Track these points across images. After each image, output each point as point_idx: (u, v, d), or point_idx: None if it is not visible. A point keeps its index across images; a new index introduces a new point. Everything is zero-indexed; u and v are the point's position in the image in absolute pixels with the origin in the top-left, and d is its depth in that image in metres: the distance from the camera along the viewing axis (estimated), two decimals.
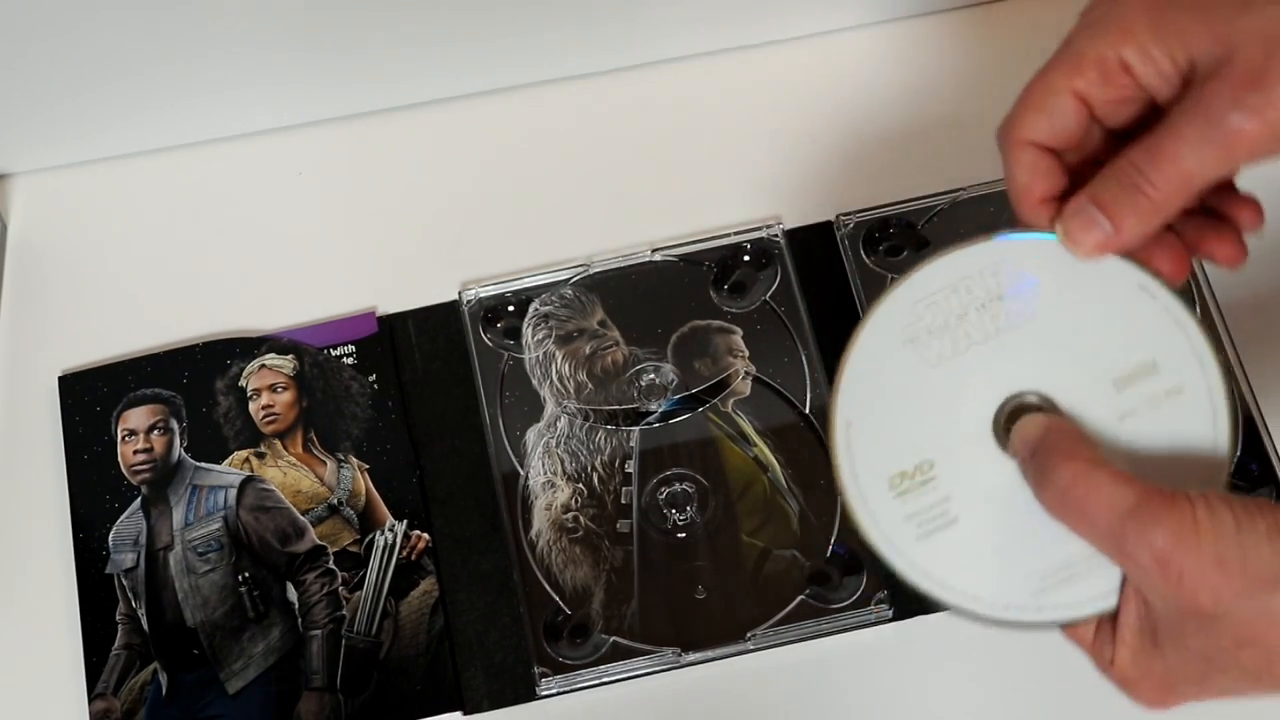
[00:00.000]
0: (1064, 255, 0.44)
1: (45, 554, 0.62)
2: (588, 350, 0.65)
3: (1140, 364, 0.45)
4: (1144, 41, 0.42)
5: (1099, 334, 0.45)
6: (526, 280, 0.66)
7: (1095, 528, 0.40)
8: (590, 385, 0.64)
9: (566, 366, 0.65)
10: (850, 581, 0.60)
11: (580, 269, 0.66)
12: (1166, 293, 0.45)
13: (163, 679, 0.60)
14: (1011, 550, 0.44)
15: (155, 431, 0.64)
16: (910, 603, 0.60)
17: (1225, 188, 0.46)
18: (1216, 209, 0.46)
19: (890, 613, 0.60)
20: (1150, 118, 0.43)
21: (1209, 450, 0.44)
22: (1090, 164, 0.45)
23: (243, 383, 0.65)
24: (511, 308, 0.66)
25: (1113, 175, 0.43)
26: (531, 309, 0.66)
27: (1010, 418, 0.45)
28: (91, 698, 0.59)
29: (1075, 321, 0.45)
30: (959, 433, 0.45)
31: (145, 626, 0.60)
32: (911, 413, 0.46)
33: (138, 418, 0.64)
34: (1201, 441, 0.44)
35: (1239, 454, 0.45)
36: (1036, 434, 0.43)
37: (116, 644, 0.60)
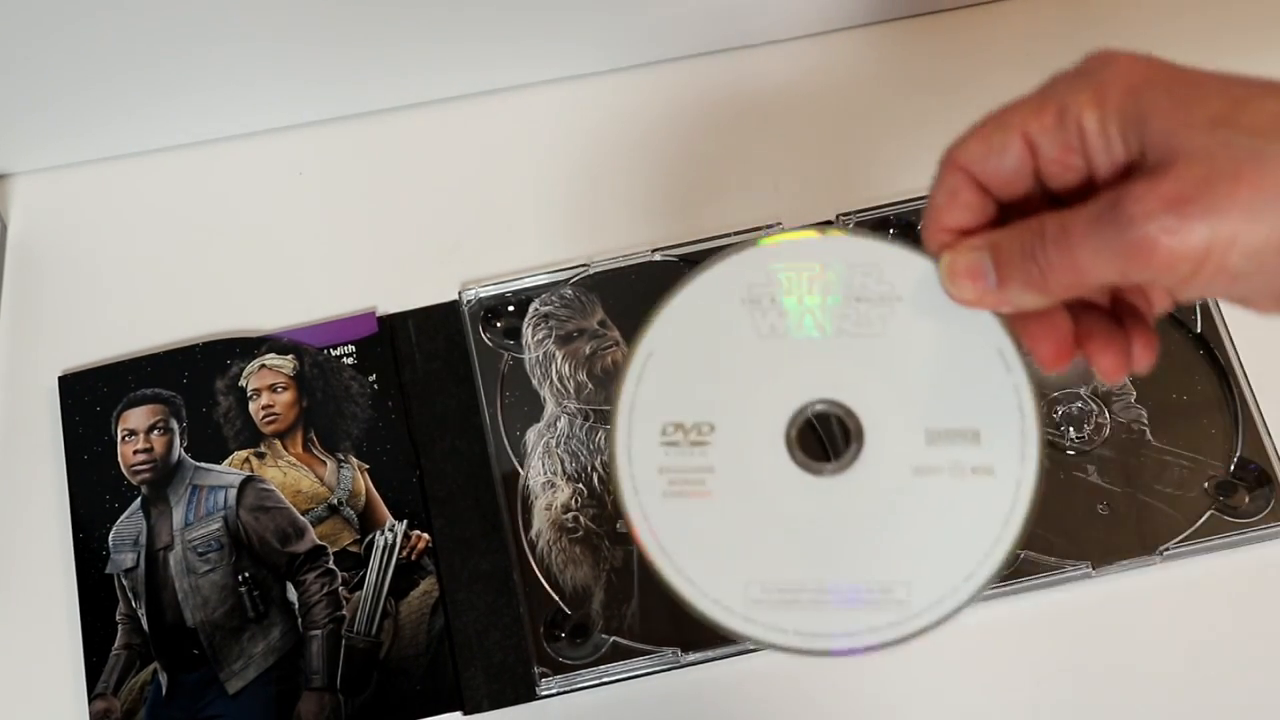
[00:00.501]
0: (936, 286, 0.42)
1: (45, 554, 0.62)
2: (588, 350, 0.65)
3: (964, 429, 0.43)
4: (1108, 113, 0.39)
5: (936, 381, 0.43)
6: (526, 280, 0.66)
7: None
8: (590, 385, 0.64)
9: (566, 366, 0.65)
10: None
11: (580, 269, 0.66)
12: (1022, 370, 0.43)
13: (163, 679, 0.60)
14: (749, 551, 0.42)
15: (155, 431, 0.64)
16: None
17: (1143, 302, 0.43)
18: (1124, 319, 0.43)
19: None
20: (1086, 194, 0.40)
21: (988, 544, 0.42)
22: (1019, 215, 0.42)
23: (243, 383, 0.65)
24: (511, 308, 0.66)
25: (1017, 235, 0.40)
26: (531, 309, 0.66)
27: (801, 427, 0.43)
28: (91, 697, 0.59)
29: (919, 359, 0.43)
30: (753, 414, 0.43)
31: (145, 626, 0.60)
32: (717, 373, 0.43)
33: (138, 418, 0.64)
34: (985, 533, 0.42)
35: (1017, 558, 0.44)
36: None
37: (116, 644, 0.60)
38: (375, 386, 0.65)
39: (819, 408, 0.43)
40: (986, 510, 0.42)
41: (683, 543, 0.42)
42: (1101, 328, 0.43)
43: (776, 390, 0.43)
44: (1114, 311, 0.43)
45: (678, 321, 0.43)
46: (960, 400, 0.43)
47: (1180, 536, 0.60)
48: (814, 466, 0.43)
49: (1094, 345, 0.42)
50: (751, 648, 0.59)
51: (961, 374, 0.43)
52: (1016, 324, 0.43)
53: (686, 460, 0.42)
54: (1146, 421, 0.63)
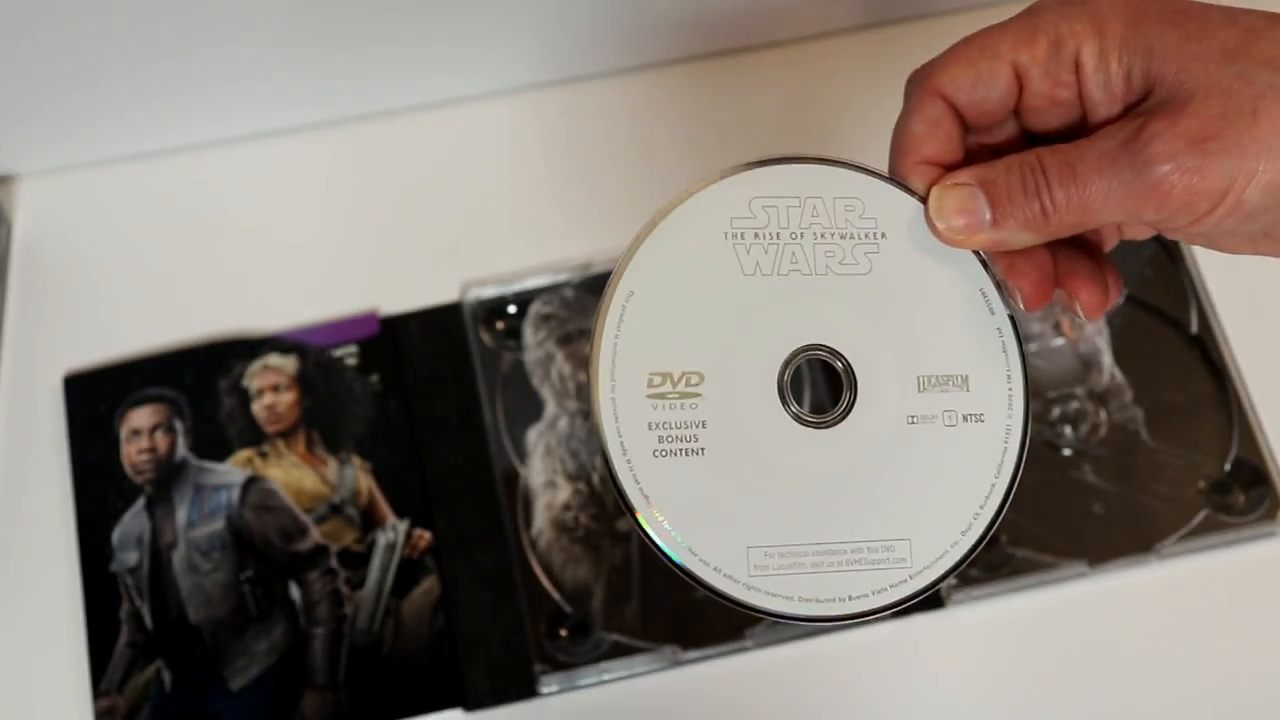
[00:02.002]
0: (922, 226, 0.40)
1: (50, 553, 0.63)
2: (588, 350, 0.65)
3: (953, 374, 0.41)
4: (1109, 45, 0.37)
5: (922, 324, 0.41)
6: (527, 281, 0.67)
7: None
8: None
9: (567, 367, 0.65)
10: None
11: (580, 269, 0.67)
12: (1004, 311, 0.41)
13: (166, 677, 0.60)
14: (747, 513, 0.40)
15: (159, 431, 0.64)
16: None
17: (1101, 236, 0.42)
18: (1093, 255, 0.42)
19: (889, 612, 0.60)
20: (1073, 133, 0.39)
21: (982, 495, 0.41)
22: (987, 154, 0.41)
23: (246, 383, 0.65)
24: (512, 308, 0.66)
25: (1015, 169, 0.38)
26: (532, 309, 0.66)
27: (793, 374, 0.40)
28: (96, 695, 0.60)
29: (907, 300, 0.41)
30: (743, 361, 0.40)
31: (149, 624, 0.61)
32: (703, 315, 0.40)
33: (142, 417, 0.65)
34: (980, 484, 0.41)
35: (1007, 508, 0.41)
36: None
37: (121, 642, 0.61)
38: (377, 387, 0.65)
39: (811, 353, 0.41)
40: (979, 459, 0.41)
41: (678, 506, 0.39)
42: (1081, 264, 0.41)
43: (766, 334, 0.40)
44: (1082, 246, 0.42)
45: (657, 256, 0.40)
46: (947, 344, 0.41)
47: (1176, 535, 0.61)
48: (809, 418, 0.41)
49: (1076, 282, 0.41)
50: (751, 646, 0.60)
51: (946, 316, 0.41)
52: (999, 262, 0.41)
53: (677, 415, 0.39)
54: (1142, 421, 0.63)
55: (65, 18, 0.61)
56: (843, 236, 0.41)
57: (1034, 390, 0.42)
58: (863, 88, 0.71)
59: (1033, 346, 0.64)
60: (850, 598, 0.40)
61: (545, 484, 0.63)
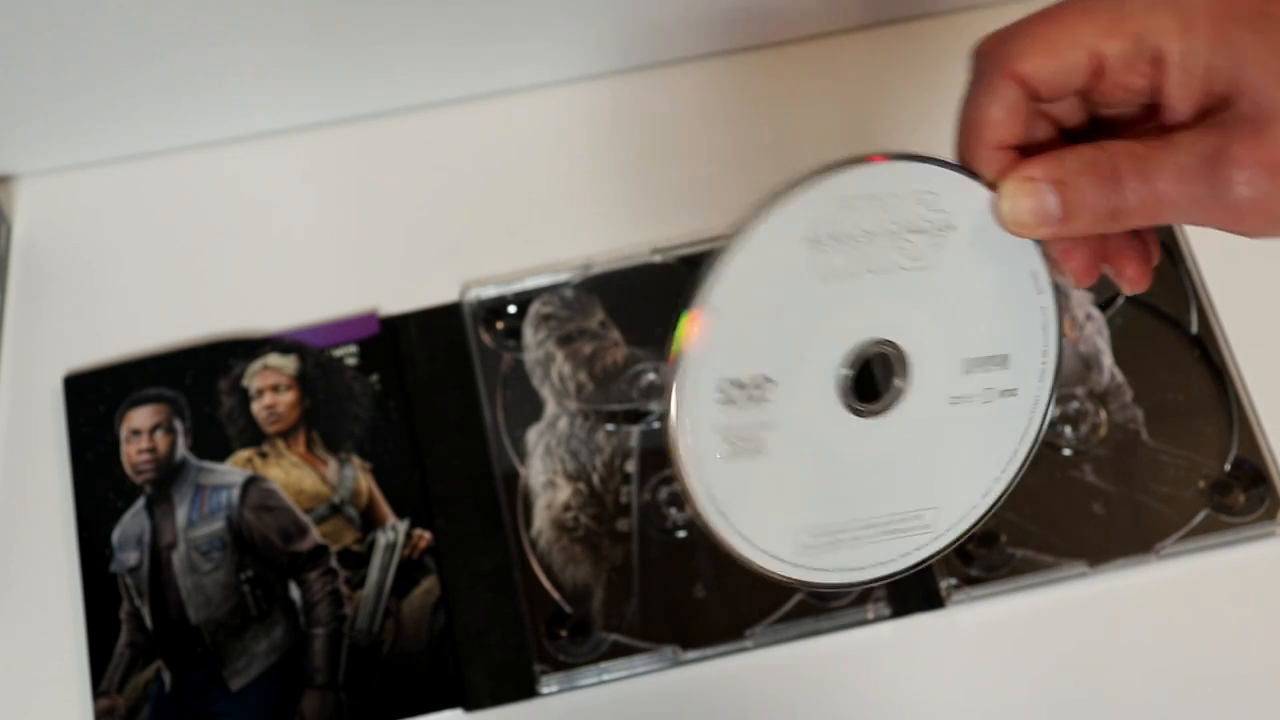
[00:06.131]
0: (986, 214, 0.40)
1: (50, 553, 0.63)
2: (588, 351, 0.65)
3: (996, 355, 0.42)
4: (1194, 48, 0.37)
5: (975, 309, 0.42)
6: (527, 281, 0.67)
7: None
8: (590, 385, 0.65)
9: (567, 367, 0.65)
10: None
11: (580, 269, 0.67)
12: (1050, 291, 0.42)
13: (166, 677, 0.60)
14: (800, 500, 0.42)
15: (159, 431, 0.64)
16: (909, 601, 0.60)
17: None
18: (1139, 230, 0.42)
19: (888, 611, 0.60)
20: (1138, 121, 0.40)
21: (1005, 460, 0.43)
22: (1045, 122, 0.40)
23: (245, 383, 0.65)
24: (512, 308, 0.66)
25: (1089, 170, 0.38)
26: (532, 309, 0.66)
27: (860, 367, 0.41)
28: (96, 695, 0.60)
29: (963, 287, 0.41)
30: (810, 362, 0.41)
31: (149, 625, 0.61)
32: (777, 320, 0.40)
33: (141, 417, 0.65)
34: (1004, 450, 0.43)
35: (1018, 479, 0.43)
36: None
37: (120, 642, 0.61)
38: (377, 387, 0.65)
39: (872, 349, 0.41)
40: (1006, 428, 0.42)
41: (739, 501, 0.41)
42: (1124, 239, 0.41)
43: (832, 334, 0.41)
44: None
45: (742, 269, 0.40)
46: (994, 326, 0.42)
47: (1176, 535, 0.61)
48: (862, 408, 0.42)
49: (1122, 257, 0.41)
50: (751, 646, 0.60)
51: (997, 299, 0.42)
52: (1054, 245, 0.41)
53: (744, 417, 0.40)
54: (1143, 421, 0.63)
55: (65, 18, 0.61)
56: (914, 232, 0.41)
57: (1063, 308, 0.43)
58: (868, 83, 0.72)
59: None
60: (882, 563, 0.43)
61: (545, 484, 0.63)
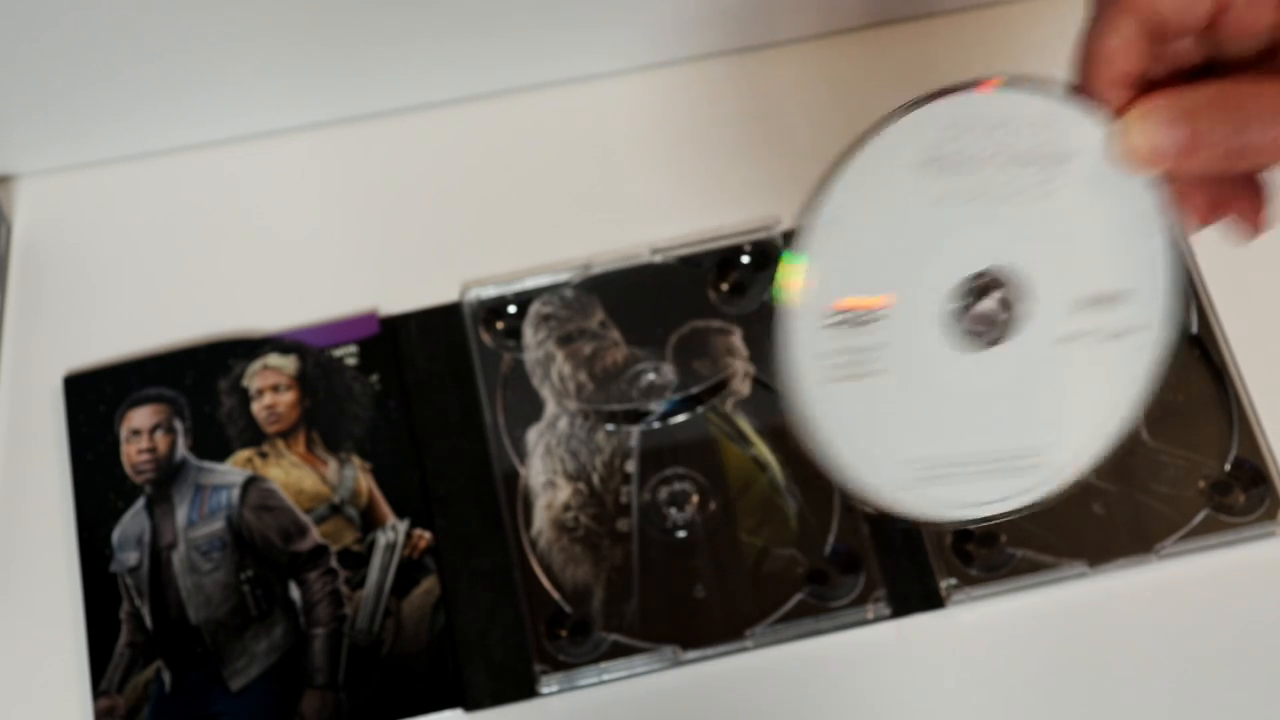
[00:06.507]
0: (1102, 146, 0.39)
1: (49, 553, 0.63)
2: (588, 350, 0.65)
3: (1107, 293, 0.41)
4: None
5: (1086, 246, 0.41)
6: (527, 281, 0.67)
7: None
8: (590, 385, 0.65)
9: (567, 367, 0.65)
10: (848, 580, 0.60)
11: (580, 269, 0.67)
12: (1163, 232, 0.41)
13: (166, 677, 0.60)
14: (905, 429, 0.41)
15: (159, 431, 0.64)
16: (909, 601, 0.60)
17: None
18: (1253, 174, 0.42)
19: (888, 611, 0.60)
20: (1254, 62, 0.39)
21: (1115, 404, 0.42)
22: (1161, 64, 0.40)
23: (245, 383, 0.65)
24: (512, 308, 0.66)
25: (1215, 105, 0.37)
26: (532, 309, 0.66)
27: (973, 295, 0.41)
28: (96, 695, 0.60)
29: (1075, 222, 0.41)
30: (921, 288, 0.41)
31: (149, 625, 0.61)
32: (885, 244, 0.40)
33: (141, 417, 0.65)
34: (1116, 394, 0.42)
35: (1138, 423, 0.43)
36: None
37: (120, 642, 0.61)
38: (377, 387, 0.65)
39: (984, 278, 0.41)
40: (1118, 371, 0.42)
41: (844, 426, 0.41)
42: (1242, 184, 0.41)
43: (943, 260, 0.41)
44: None
45: (858, 182, 0.39)
46: (1106, 265, 0.41)
47: (1176, 535, 0.61)
48: (972, 340, 0.42)
49: (1241, 203, 0.41)
50: (751, 646, 0.60)
51: (1109, 237, 0.41)
52: (1173, 185, 0.40)
53: (855, 340, 0.40)
54: (1142, 421, 0.63)
55: (65, 18, 0.62)
56: (1027, 163, 0.40)
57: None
58: (868, 83, 0.72)
59: None
60: (988, 501, 0.43)
61: (545, 484, 0.63)
